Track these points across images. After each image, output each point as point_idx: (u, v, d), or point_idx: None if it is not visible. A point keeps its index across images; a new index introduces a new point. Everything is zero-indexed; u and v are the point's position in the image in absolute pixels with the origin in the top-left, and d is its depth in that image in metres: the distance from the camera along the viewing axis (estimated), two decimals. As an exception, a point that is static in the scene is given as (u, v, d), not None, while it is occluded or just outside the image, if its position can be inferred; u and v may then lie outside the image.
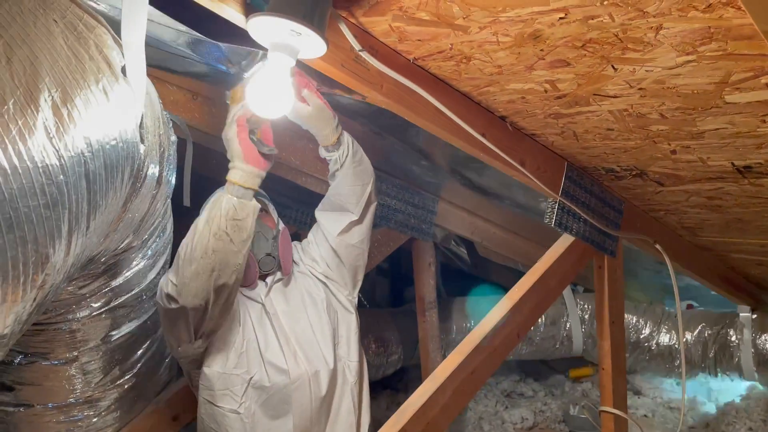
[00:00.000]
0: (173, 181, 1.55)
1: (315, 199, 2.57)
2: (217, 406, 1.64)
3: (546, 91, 1.43)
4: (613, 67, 1.25)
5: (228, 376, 1.64)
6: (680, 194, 2.03)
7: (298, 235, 1.93)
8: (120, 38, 1.05)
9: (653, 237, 2.35)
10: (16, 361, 1.66)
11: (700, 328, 3.26)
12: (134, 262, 1.61)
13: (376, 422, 1.75)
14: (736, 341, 3.16)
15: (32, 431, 1.73)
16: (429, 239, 2.88)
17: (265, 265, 1.71)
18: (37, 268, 0.86)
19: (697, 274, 2.79)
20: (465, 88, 1.49)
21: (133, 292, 1.68)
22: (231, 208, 1.47)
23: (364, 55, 1.26)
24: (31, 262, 0.84)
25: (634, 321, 3.41)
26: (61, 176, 0.87)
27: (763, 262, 2.81)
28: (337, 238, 1.78)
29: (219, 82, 1.82)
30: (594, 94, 1.40)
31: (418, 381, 1.73)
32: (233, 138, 1.47)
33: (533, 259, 2.06)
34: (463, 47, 1.27)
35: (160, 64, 1.66)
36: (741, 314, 3.21)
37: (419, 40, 1.28)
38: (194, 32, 1.22)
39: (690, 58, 1.15)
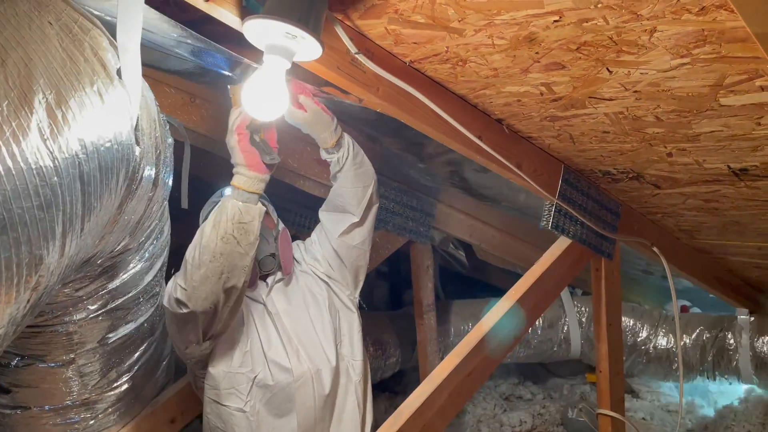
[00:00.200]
0: (170, 183, 1.55)
1: (313, 201, 2.58)
2: (224, 405, 1.65)
3: (542, 94, 1.43)
4: (608, 69, 1.25)
5: (233, 375, 1.65)
6: (677, 197, 2.04)
7: (296, 238, 1.94)
8: (115, 40, 1.06)
9: (650, 240, 2.35)
10: (13, 363, 1.66)
11: (698, 331, 3.26)
12: (131, 265, 1.61)
13: (375, 424, 1.76)
14: (734, 344, 3.16)
15: (29, 434, 1.73)
16: (427, 242, 2.88)
17: (265, 266, 1.72)
18: (31, 269, 0.86)
19: (694, 276, 2.79)
20: (461, 90, 1.50)
21: (130, 295, 1.68)
22: (237, 212, 1.50)
23: (360, 57, 1.26)
24: (24, 264, 0.85)
25: (631, 324, 3.41)
26: (55, 178, 0.88)
27: (761, 265, 2.81)
28: (338, 239, 1.79)
29: (216, 84, 1.82)
30: (589, 97, 1.40)
31: (417, 383, 1.73)
32: (235, 146, 1.51)
33: (532, 262, 2.06)
34: (459, 50, 1.27)
35: (155, 65, 1.66)
36: (739, 317, 3.21)
37: (415, 43, 1.28)
38: (191, 31, 1.22)
39: (684, 60, 1.16)
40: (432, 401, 1.62)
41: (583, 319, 3.48)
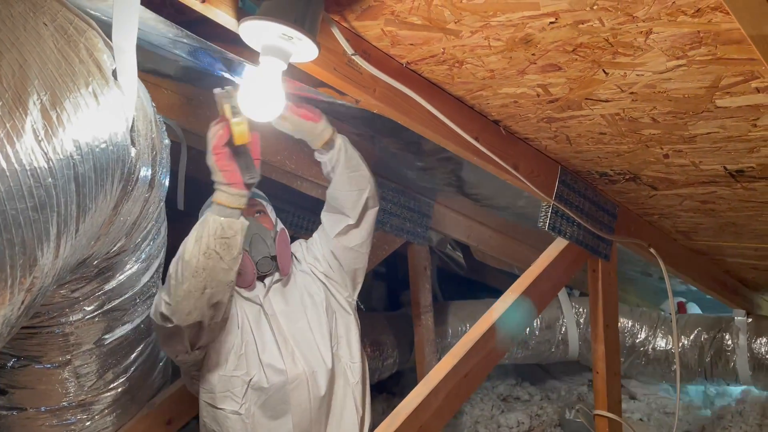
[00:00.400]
0: (166, 184, 1.55)
1: (310, 203, 2.58)
2: (219, 408, 1.65)
3: (538, 96, 1.43)
4: (604, 71, 1.25)
5: (228, 378, 1.65)
6: (674, 198, 2.04)
7: (294, 239, 1.94)
8: (111, 41, 1.05)
9: (647, 241, 2.35)
10: (9, 364, 1.65)
11: (696, 332, 3.26)
12: (127, 266, 1.61)
13: (372, 425, 1.76)
14: (732, 345, 3.16)
15: (25, 435, 1.73)
16: (424, 243, 2.88)
17: (262, 267, 1.72)
18: (25, 270, 0.86)
19: (691, 278, 2.80)
20: (458, 92, 1.50)
21: (126, 296, 1.68)
22: (219, 227, 1.48)
23: (357, 59, 1.26)
24: (18, 265, 0.84)
25: (629, 325, 3.41)
26: (50, 179, 0.87)
27: (758, 266, 2.82)
28: (335, 240, 1.79)
29: (213, 86, 1.82)
30: (586, 99, 1.40)
31: (414, 384, 1.73)
32: (213, 165, 1.48)
33: (529, 263, 2.06)
34: (456, 51, 1.27)
35: (151, 68, 1.66)
36: (736, 318, 3.21)
37: (411, 45, 1.28)
38: (187, 32, 1.22)
39: (680, 62, 1.16)
40: (429, 402, 1.62)
41: (581, 320, 3.48)
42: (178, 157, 2.06)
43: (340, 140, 1.71)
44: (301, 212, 3.02)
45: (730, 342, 3.17)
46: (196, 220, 1.73)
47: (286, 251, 1.78)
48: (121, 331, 1.73)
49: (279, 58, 1.15)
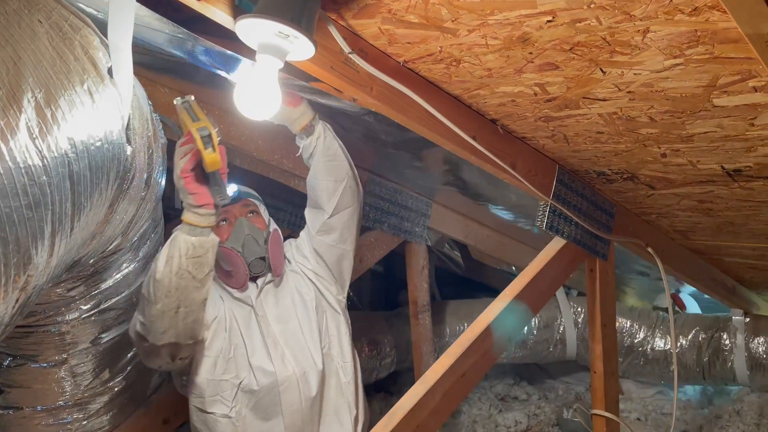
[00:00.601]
0: (163, 183, 1.54)
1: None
2: (209, 413, 1.64)
3: (536, 94, 1.43)
4: (601, 70, 1.25)
5: (217, 382, 1.64)
6: (671, 197, 2.04)
7: (291, 238, 1.93)
8: (107, 39, 1.05)
9: (645, 240, 2.35)
10: (5, 363, 1.65)
11: (694, 332, 3.26)
12: (124, 265, 1.61)
13: (369, 424, 1.75)
14: (729, 345, 3.16)
15: (21, 434, 1.72)
16: (422, 242, 2.88)
17: (255, 268, 1.71)
18: (19, 269, 0.86)
19: (689, 277, 2.80)
20: (455, 91, 1.50)
21: (123, 295, 1.67)
22: (190, 247, 1.45)
23: (354, 57, 1.26)
24: (12, 263, 0.84)
25: (628, 325, 3.41)
26: (44, 177, 0.87)
27: (756, 266, 2.82)
28: (317, 238, 1.79)
29: (211, 83, 1.82)
30: (583, 97, 1.40)
31: (412, 384, 1.72)
32: (182, 188, 1.44)
33: (527, 263, 2.05)
34: (453, 50, 1.27)
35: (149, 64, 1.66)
36: (734, 318, 3.21)
37: (409, 43, 1.28)
38: (184, 29, 1.22)
39: (677, 61, 1.16)
40: (425, 402, 1.62)
41: (579, 320, 3.49)
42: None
43: (320, 126, 1.71)
44: (299, 211, 3.00)
45: (727, 342, 3.18)
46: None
47: (278, 252, 1.77)
48: (117, 330, 1.73)
49: (275, 56, 1.14)
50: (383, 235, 2.73)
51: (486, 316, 1.83)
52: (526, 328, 3.46)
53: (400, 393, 3.70)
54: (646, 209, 2.25)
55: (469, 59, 1.30)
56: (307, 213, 1.83)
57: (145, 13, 1.14)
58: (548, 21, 1.09)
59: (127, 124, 1.13)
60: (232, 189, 1.76)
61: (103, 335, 1.69)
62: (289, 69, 1.27)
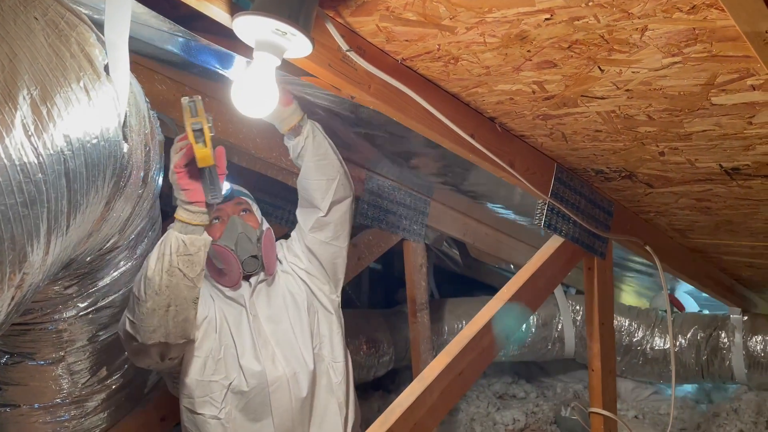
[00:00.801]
0: (160, 180, 1.54)
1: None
2: (198, 414, 1.64)
3: (534, 93, 1.43)
4: (599, 68, 1.25)
5: (207, 383, 1.64)
6: (669, 196, 2.04)
7: (289, 236, 1.93)
8: (103, 36, 1.05)
9: (643, 239, 2.35)
10: (2, 361, 1.65)
11: (692, 331, 3.27)
12: (122, 262, 1.61)
13: (367, 422, 1.75)
14: (728, 343, 3.17)
15: (19, 431, 1.72)
16: (420, 240, 2.88)
17: (248, 266, 1.70)
18: (15, 266, 0.85)
19: (687, 275, 2.80)
20: (454, 89, 1.49)
21: (120, 293, 1.67)
22: (181, 245, 1.45)
23: (352, 55, 1.25)
24: (7, 261, 0.84)
25: (626, 324, 3.41)
26: (40, 174, 0.87)
27: (754, 264, 2.82)
28: (310, 235, 1.79)
29: (208, 77, 1.81)
30: (581, 96, 1.40)
31: (410, 382, 1.72)
32: (176, 183, 1.44)
33: (525, 261, 2.05)
34: (451, 48, 1.27)
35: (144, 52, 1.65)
36: (732, 316, 3.22)
37: (407, 41, 1.27)
38: (181, 27, 1.22)
39: (676, 59, 1.16)
40: (423, 400, 1.62)
41: (578, 318, 3.49)
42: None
43: (309, 126, 1.71)
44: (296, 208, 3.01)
45: (725, 340, 3.18)
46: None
47: (271, 251, 1.76)
48: (114, 328, 1.72)
49: (272, 53, 1.14)
50: (381, 233, 2.73)
51: (484, 314, 1.83)
52: (524, 326, 3.46)
53: (398, 391, 3.70)
54: (644, 207, 2.25)
55: (467, 57, 1.29)
56: (300, 213, 1.83)
57: (142, 10, 1.14)
58: (546, 19, 1.09)
59: (124, 122, 1.13)
60: (224, 187, 1.75)
61: (101, 333, 1.69)
62: (287, 67, 1.27)
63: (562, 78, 1.32)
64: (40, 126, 0.88)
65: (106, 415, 1.85)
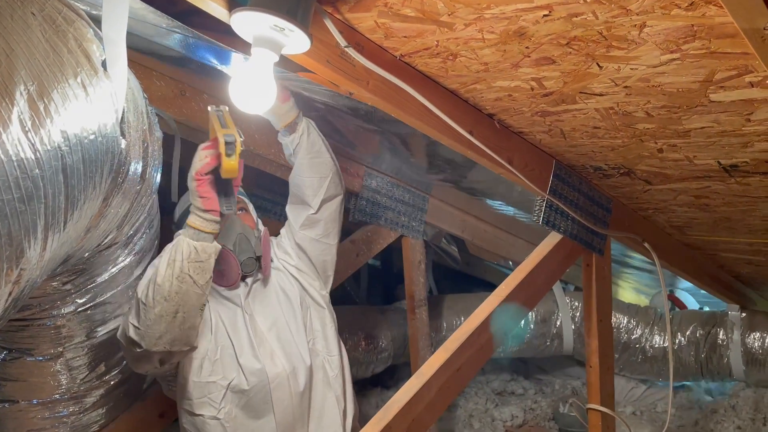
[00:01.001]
0: (158, 177, 1.54)
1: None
2: (197, 415, 1.65)
3: (532, 89, 1.42)
4: (598, 65, 1.25)
5: (204, 384, 1.64)
6: (668, 193, 2.04)
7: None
8: (101, 32, 1.04)
9: (642, 235, 2.35)
10: (1, 357, 1.65)
11: (691, 328, 3.27)
12: (120, 258, 1.61)
13: (366, 418, 1.76)
14: (726, 340, 3.17)
15: (17, 427, 1.72)
16: (419, 237, 2.88)
17: (247, 267, 1.71)
18: (12, 262, 0.85)
19: (685, 272, 2.80)
20: (452, 85, 1.49)
21: (119, 288, 1.67)
22: (193, 251, 1.46)
23: (350, 51, 1.25)
24: (5, 257, 0.84)
25: (625, 322, 3.41)
26: (37, 170, 0.87)
27: (752, 261, 2.82)
28: (300, 232, 1.80)
29: (206, 74, 1.81)
30: (580, 92, 1.39)
31: (409, 378, 1.73)
32: (194, 190, 1.46)
33: (523, 258, 2.06)
34: (449, 44, 1.26)
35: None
36: (730, 313, 3.22)
37: (405, 37, 1.27)
38: (179, 22, 1.21)
39: (674, 56, 1.15)
40: (421, 396, 1.62)
41: (576, 315, 3.49)
42: (172, 150, 2.05)
43: (304, 123, 1.72)
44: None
45: (724, 337, 3.18)
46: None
47: (268, 251, 1.78)
48: (113, 324, 1.73)
49: (270, 49, 1.14)
50: (380, 230, 2.73)
51: (482, 311, 1.83)
52: (522, 322, 3.47)
53: (396, 387, 3.72)
54: (642, 204, 2.25)
55: (466, 53, 1.29)
56: (289, 209, 1.84)
57: (140, 5, 1.13)
58: (545, 15, 1.08)
59: (122, 118, 1.13)
60: None
61: (99, 329, 1.69)
62: (286, 63, 1.27)
63: (561, 74, 1.32)
64: (37, 122, 0.87)
65: (104, 410, 1.85)
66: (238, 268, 1.68)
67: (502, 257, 3.55)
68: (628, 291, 4.24)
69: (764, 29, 0.98)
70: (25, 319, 1.56)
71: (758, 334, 3.12)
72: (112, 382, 1.82)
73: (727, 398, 3.37)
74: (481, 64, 1.34)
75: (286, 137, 1.75)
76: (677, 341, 3.26)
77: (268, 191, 2.66)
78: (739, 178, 1.77)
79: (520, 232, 3.29)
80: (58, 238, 0.98)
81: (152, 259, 1.76)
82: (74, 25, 1.00)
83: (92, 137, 1.00)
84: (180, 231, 1.52)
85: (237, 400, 1.64)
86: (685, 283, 3.65)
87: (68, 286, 1.51)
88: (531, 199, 2.00)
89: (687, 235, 2.56)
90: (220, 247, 1.54)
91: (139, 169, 1.29)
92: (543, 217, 1.93)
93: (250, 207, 1.82)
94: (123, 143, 1.14)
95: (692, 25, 1.04)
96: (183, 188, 1.91)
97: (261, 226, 1.80)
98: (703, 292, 3.36)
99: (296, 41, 1.13)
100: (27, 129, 0.86)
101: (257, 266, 1.73)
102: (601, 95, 1.39)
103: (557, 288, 3.51)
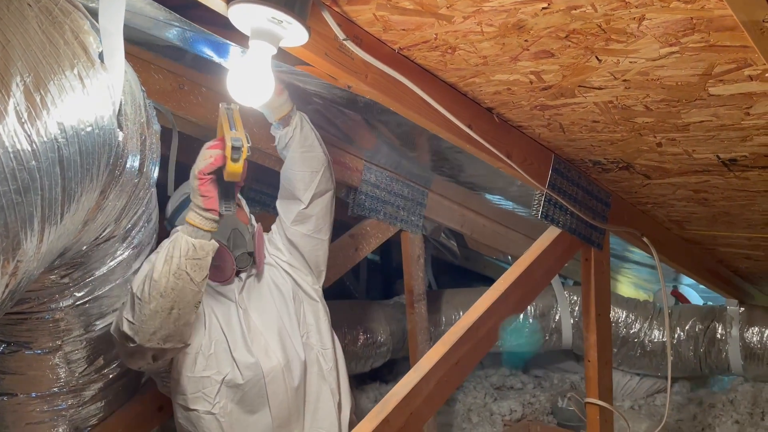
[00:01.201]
0: (156, 170, 1.54)
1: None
2: (192, 410, 1.65)
3: (531, 83, 1.42)
4: (597, 58, 1.24)
5: (198, 379, 1.64)
6: (667, 187, 2.04)
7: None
8: (98, 23, 1.04)
9: (641, 230, 2.35)
10: (-1, 350, 1.65)
11: (690, 323, 3.27)
12: (118, 252, 1.61)
13: (364, 412, 1.76)
14: (725, 335, 3.18)
15: (16, 420, 1.72)
16: (418, 231, 2.88)
17: (241, 262, 1.71)
18: (8, 254, 0.85)
19: (684, 267, 2.80)
20: (451, 78, 1.49)
21: (117, 282, 1.67)
22: (191, 248, 1.46)
23: (348, 44, 1.24)
24: (1, 249, 0.83)
25: (623, 316, 3.41)
26: (33, 162, 0.86)
27: (751, 256, 2.82)
28: (292, 228, 1.80)
29: (205, 69, 1.81)
30: (579, 86, 1.39)
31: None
32: (195, 188, 1.46)
33: (522, 252, 2.05)
34: (448, 37, 1.26)
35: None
36: (729, 308, 3.22)
37: (404, 30, 1.27)
38: (177, 15, 1.21)
39: (673, 49, 1.15)
40: (419, 390, 1.62)
41: (575, 309, 3.49)
42: (169, 143, 2.04)
43: (298, 117, 1.72)
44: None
45: (722, 332, 3.19)
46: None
47: (262, 247, 1.78)
48: (111, 317, 1.72)
49: (268, 42, 1.13)
50: (379, 224, 2.73)
51: (481, 305, 1.83)
52: (521, 317, 3.47)
53: (395, 382, 3.70)
54: (641, 199, 2.25)
55: (465, 47, 1.29)
56: (280, 204, 1.84)
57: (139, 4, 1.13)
58: (543, 8, 1.08)
59: (119, 110, 1.13)
60: None
61: (97, 322, 1.69)
62: (283, 56, 1.26)
63: (560, 68, 1.31)
64: (33, 113, 0.87)
65: (103, 404, 1.85)
66: (232, 263, 1.69)
67: (501, 252, 3.55)
68: (627, 286, 4.24)
69: (763, 21, 0.97)
70: (23, 312, 1.56)
71: (757, 328, 3.13)
72: (110, 376, 1.82)
73: (726, 393, 3.38)
74: (479, 58, 1.33)
75: (279, 130, 1.74)
76: (676, 336, 3.26)
77: (266, 185, 2.66)
78: (738, 173, 1.77)
79: (519, 227, 3.29)
80: (55, 231, 0.98)
81: (151, 252, 1.76)
82: (71, 17, 0.99)
83: (89, 129, 0.99)
84: (177, 227, 1.52)
85: (232, 395, 1.65)
86: (688, 279, 3.65)
87: (66, 280, 1.50)
88: (530, 194, 2.00)
89: (686, 230, 2.56)
90: (218, 245, 1.54)
91: (137, 163, 1.28)
92: (542, 212, 1.93)
93: (243, 203, 1.82)
94: (120, 136, 1.14)
95: (691, 18, 1.04)
96: (179, 182, 1.91)
97: (254, 222, 1.80)
98: (702, 287, 3.36)
99: (294, 34, 1.12)
100: (23, 120, 0.86)
101: (251, 261, 1.73)
102: (600, 89, 1.39)
103: (556, 282, 3.51)
